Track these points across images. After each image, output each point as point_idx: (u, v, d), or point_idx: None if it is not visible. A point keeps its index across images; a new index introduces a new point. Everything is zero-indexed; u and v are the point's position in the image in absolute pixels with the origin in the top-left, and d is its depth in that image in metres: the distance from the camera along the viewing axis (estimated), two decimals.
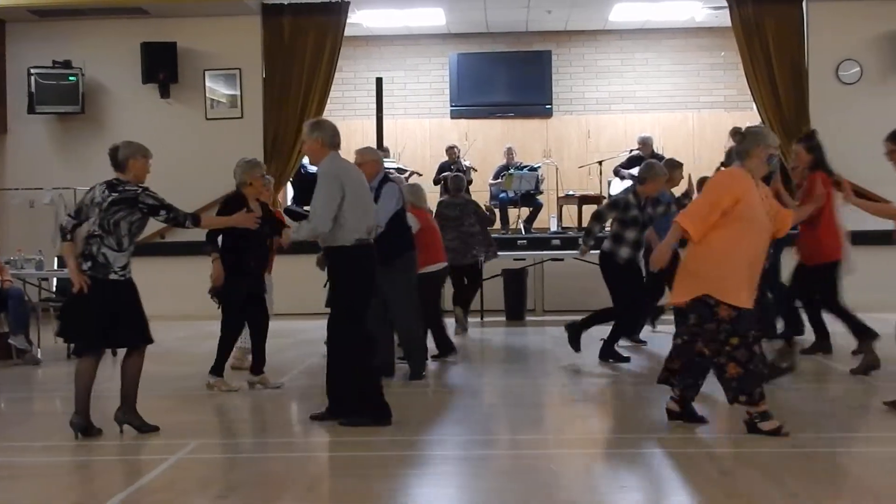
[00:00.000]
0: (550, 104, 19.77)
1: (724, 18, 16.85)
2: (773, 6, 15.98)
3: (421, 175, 16.78)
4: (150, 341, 7.45)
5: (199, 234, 14.85)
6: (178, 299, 14.75)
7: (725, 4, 16.33)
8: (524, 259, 14.90)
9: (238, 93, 16.37)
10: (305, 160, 16.30)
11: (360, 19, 17.89)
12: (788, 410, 7.77)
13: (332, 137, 7.48)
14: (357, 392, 7.38)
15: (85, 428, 7.22)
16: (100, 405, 7.55)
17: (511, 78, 19.75)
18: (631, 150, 17.24)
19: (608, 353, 10.37)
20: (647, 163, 10.72)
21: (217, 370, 9.05)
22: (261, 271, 9.22)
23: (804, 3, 16.01)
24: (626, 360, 10.33)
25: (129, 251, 7.41)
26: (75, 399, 7.26)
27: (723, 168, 9.21)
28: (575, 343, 10.56)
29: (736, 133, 8.19)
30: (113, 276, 7.27)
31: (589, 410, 8.18)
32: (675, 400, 7.24)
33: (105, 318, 7.18)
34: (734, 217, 6.74)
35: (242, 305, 9.05)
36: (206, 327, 13.33)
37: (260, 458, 6.72)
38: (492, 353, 11.81)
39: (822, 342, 10.19)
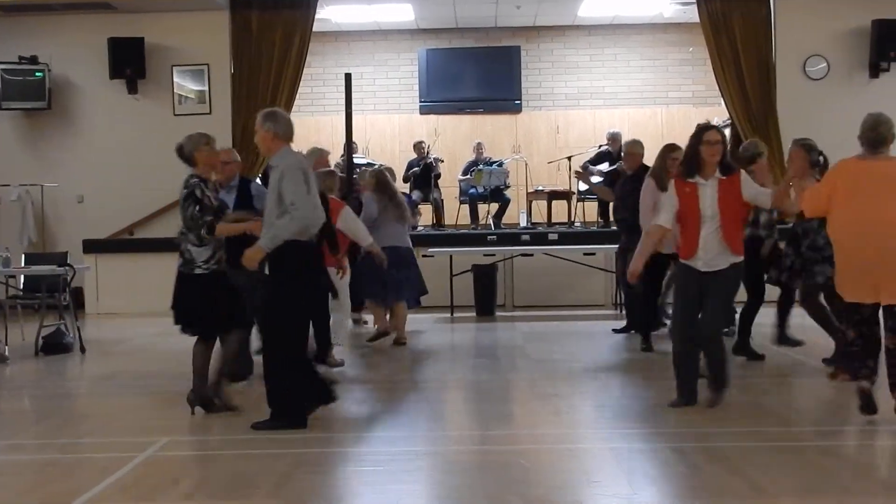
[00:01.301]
0: (519, 100, 19.79)
1: (693, 14, 16.93)
2: (740, 2, 16.07)
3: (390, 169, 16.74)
4: (247, 324, 7.78)
5: (169, 230, 14.92)
6: (148, 296, 14.67)
7: (693, 0, 16.41)
8: (494, 254, 14.91)
9: (206, 88, 16.31)
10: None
11: (328, 15, 17.85)
12: (757, 405, 7.83)
13: (287, 129, 7.26)
14: (278, 393, 7.20)
15: (204, 403, 7.63)
16: (66, 403, 7.49)
17: (480, 73, 19.76)
18: (600, 146, 17.29)
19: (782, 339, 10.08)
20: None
21: None
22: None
23: (771, 0, 16.11)
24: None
25: (213, 244, 7.44)
26: (193, 377, 7.65)
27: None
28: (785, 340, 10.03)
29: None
30: (198, 271, 7.43)
31: (559, 406, 8.20)
32: None
33: (203, 311, 7.45)
34: None
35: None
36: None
37: (229, 456, 6.70)
38: (461, 348, 11.82)
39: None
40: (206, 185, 7.48)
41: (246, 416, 7.74)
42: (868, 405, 7.01)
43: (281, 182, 7.05)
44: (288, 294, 7.11)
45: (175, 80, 16.27)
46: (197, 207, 7.38)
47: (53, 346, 11.19)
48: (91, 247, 15.57)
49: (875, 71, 16.00)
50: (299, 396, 7.24)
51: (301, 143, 18.69)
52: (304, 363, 7.35)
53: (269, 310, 7.23)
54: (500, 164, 17.34)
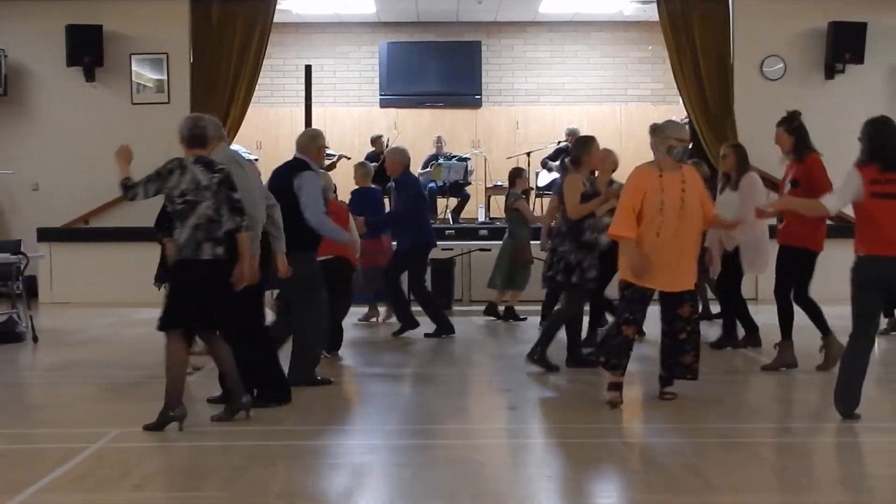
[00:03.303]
0: (480, 95, 19.81)
1: (652, 13, 17.01)
2: (699, 2, 16.16)
3: (349, 158, 16.71)
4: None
5: (126, 220, 14.81)
6: (103, 285, 14.59)
7: None
8: (452, 249, 14.91)
9: (165, 78, 16.18)
10: (233, 147, 16.13)
11: (289, 6, 17.78)
12: (713, 401, 7.88)
13: (217, 129, 7.37)
14: (260, 374, 7.51)
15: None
16: (18, 393, 7.42)
17: (441, 68, 19.76)
18: (559, 142, 17.35)
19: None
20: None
21: None
22: None
23: (730, 0, 16.22)
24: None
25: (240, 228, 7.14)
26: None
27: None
28: None
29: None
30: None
31: (515, 400, 8.23)
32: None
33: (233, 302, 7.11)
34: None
35: None
36: (131, 314, 13.21)
37: (181, 448, 6.67)
38: (418, 342, 11.82)
39: (752, 336, 10.28)
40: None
41: (199, 409, 7.71)
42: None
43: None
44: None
45: (133, 68, 16.14)
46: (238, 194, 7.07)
47: (5, 334, 11.07)
48: (45, 235, 15.42)
49: (831, 72, 16.16)
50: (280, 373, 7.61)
51: (261, 135, 18.74)
52: (260, 349, 7.56)
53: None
54: (465, 160, 17.34)
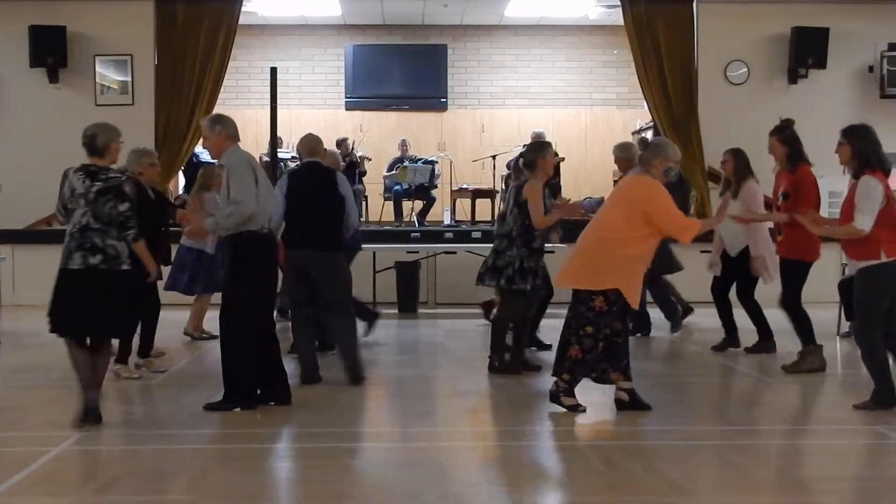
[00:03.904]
0: (445, 98, 19.84)
1: (617, 17, 17.09)
2: (664, 7, 16.25)
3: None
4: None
5: None
6: None
7: (618, 3, 16.56)
8: (417, 252, 14.92)
9: (129, 79, 16.09)
10: (198, 148, 16.11)
11: (255, 7, 17.75)
12: (677, 402, 7.93)
13: (234, 130, 7.67)
14: (234, 375, 7.51)
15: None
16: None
17: (406, 71, 19.78)
18: (524, 145, 17.32)
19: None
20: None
21: (145, 352, 9.34)
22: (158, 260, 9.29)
23: (694, 5, 16.32)
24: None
25: (126, 240, 7.16)
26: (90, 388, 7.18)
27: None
28: None
29: (642, 142, 8.19)
30: (125, 267, 7.11)
31: (479, 403, 8.24)
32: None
33: (117, 309, 7.11)
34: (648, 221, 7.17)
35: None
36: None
37: (146, 451, 6.63)
38: (383, 345, 11.81)
39: (731, 337, 10.33)
40: (128, 179, 7.36)
41: (160, 411, 7.69)
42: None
43: (229, 179, 7.48)
44: (245, 280, 7.46)
45: (98, 69, 16.04)
46: (128, 205, 7.14)
47: None
48: (8, 237, 15.30)
49: (794, 77, 16.29)
50: (251, 378, 7.55)
51: None
52: (266, 350, 7.63)
53: (227, 295, 7.63)
54: (430, 162, 17.35)
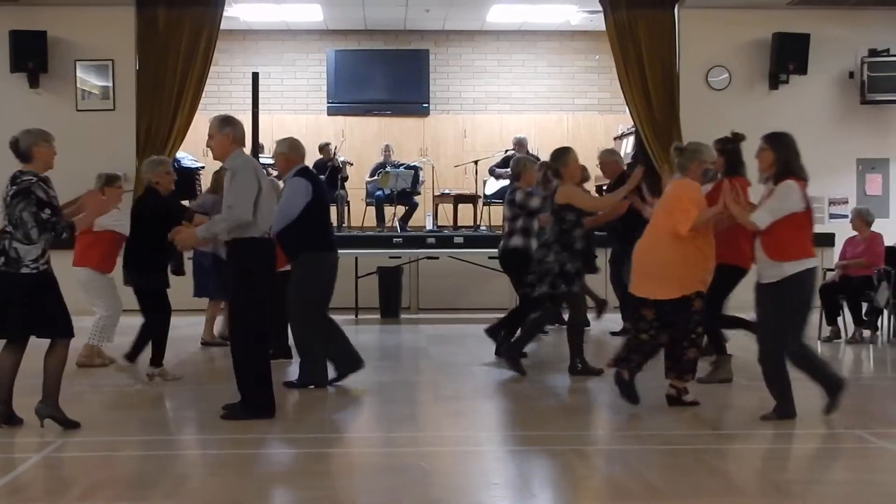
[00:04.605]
0: (427, 103, 19.84)
1: (599, 23, 17.10)
2: (646, 12, 16.28)
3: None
4: (70, 335, 7.33)
5: None
6: None
7: (600, 9, 16.59)
8: (399, 257, 14.92)
9: (110, 84, 16.02)
10: (180, 154, 16.06)
11: (237, 13, 17.70)
12: (658, 408, 7.94)
13: (242, 134, 7.68)
14: (246, 384, 7.47)
15: (7, 417, 7.19)
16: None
17: (388, 76, 19.77)
18: (506, 151, 17.41)
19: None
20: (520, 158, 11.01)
21: (157, 361, 9.23)
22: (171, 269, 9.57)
23: (676, 10, 16.36)
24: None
25: (42, 243, 7.17)
26: None
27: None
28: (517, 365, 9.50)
29: (677, 149, 8.21)
30: (25, 270, 7.10)
31: (461, 408, 8.24)
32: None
33: (22, 311, 7.09)
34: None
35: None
36: (75, 322, 13.03)
37: (127, 457, 6.62)
38: (365, 350, 11.77)
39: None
40: (47, 184, 7.30)
41: (142, 416, 7.66)
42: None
43: (231, 182, 7.46)
44: (247, 287, 7.46)
45: (78, 74, 15.97)
46: (47, 210, 7.14)
47: None
48: None
49: (775, 82, 16.34)
50: (266, 385, 7.54)
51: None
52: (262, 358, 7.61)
53: (233, 302, 7.67)
54: (412, 168, 17.35)
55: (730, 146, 8.90)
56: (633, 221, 9.57)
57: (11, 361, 7.21)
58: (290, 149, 8.97)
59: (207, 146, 7.85)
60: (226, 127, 7.59)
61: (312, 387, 8.74)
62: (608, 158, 12.02)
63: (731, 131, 8.95)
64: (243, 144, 7.72)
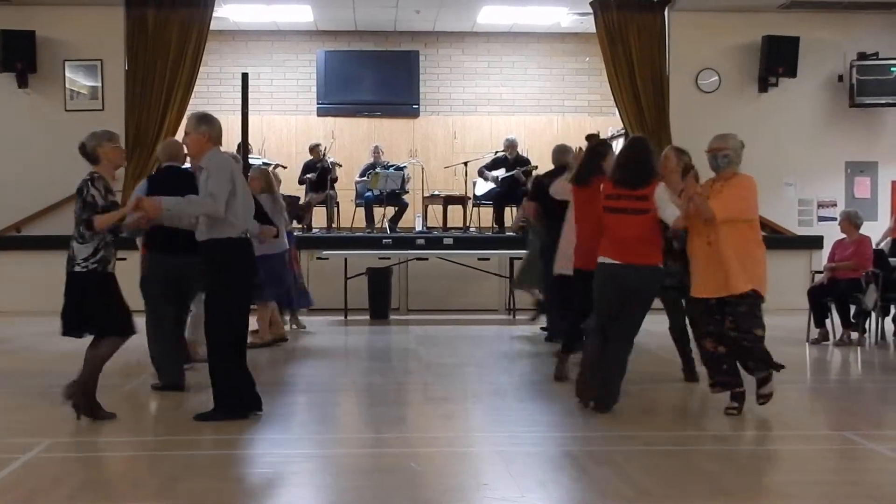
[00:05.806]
0: (417, 104, 19.84)
1: (589, 25, 17.14)
2: (636, 15, 16.32)
3: (286, 168, 16.66)
4: (116, 333, 7.39)
5: (58, 228, 14.55)
6: (34, 294, 14.37)
7: (590, 11, 16.62)
8: (389, 258, 14.92)
9: (99, 84, 16.01)
10: None
11: (226, 13, 17.69)
12: (645, 409, 7.95)
13: (218, 133, 7.58)
14: (224, 385, 7.40)
15: (90, 410, 7.36)
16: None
17: (378, 77, 19.76)
18: (496, 152, 17.41)
19: None
20: None
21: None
22: None
23: (666, 13, 16.40)
24: None
25: (95, 242, 7.24)
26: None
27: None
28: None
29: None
30: (77, 269, 7.25)
31: (451, 409, 8.23)
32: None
33: (74, 308, 7.28)
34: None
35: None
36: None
37: (114, 458, 6.60)
38: (355, 351, 11.81)
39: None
40: (93, 183, 7.32)
41: (128, 419, 7.63)
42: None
43: (208, 181, 7.34)
44: (222, 286, 7.40)
45: (67, 74, 15.96)
46: (80, 204, 7.27)
47: None
48: None
49: (764, 85, 16.40)
50: (239, 387, 7.46)
51: None
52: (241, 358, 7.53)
53: (208, 302, 7.54)
54: (402, 169, 17.34)
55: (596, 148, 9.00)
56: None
57: (92, 355, 7.38)
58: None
59: (183, 142, 7.81)
60: (201, 125, 7.51)
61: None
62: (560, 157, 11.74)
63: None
64: (219, 143, 7.62)
